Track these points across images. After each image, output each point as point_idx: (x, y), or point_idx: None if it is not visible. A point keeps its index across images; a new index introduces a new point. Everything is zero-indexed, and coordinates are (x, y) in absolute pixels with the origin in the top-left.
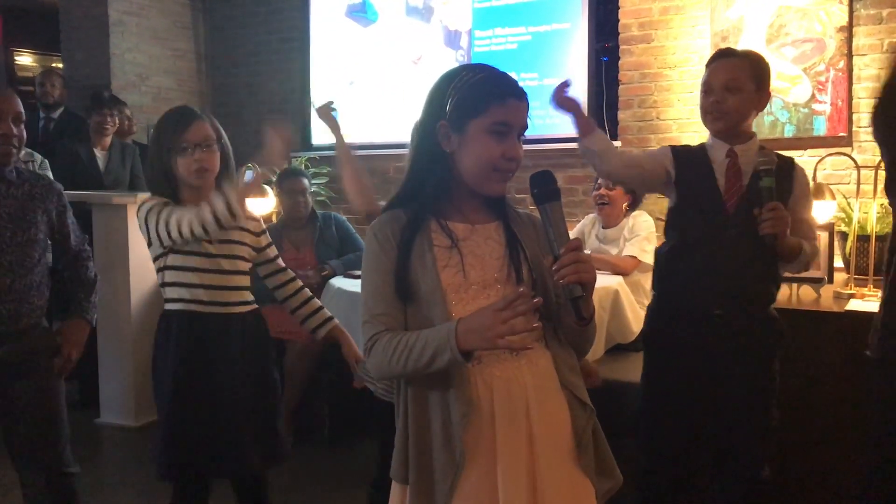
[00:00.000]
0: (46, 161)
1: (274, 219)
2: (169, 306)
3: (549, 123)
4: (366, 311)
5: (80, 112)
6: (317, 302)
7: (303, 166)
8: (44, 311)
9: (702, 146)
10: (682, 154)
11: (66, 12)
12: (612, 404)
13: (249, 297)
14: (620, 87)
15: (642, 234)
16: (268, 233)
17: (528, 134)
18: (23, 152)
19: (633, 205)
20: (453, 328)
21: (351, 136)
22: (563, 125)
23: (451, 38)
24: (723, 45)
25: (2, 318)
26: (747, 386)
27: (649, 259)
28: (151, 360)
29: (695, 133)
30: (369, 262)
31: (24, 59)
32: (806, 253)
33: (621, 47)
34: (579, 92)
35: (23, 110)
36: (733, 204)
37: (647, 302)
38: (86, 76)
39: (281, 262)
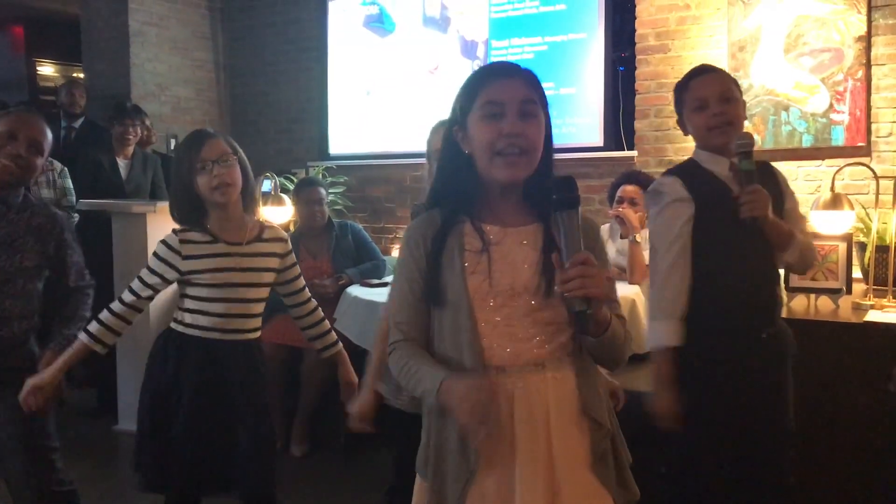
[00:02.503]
0: (66, 169)
1: (291, 227)
2: (179, 328)
3: (565, 132)
4: (391, 315)
5: (101, 121)
6: (327, 324)
7: (319, 175)
8: (28, 335)
9: (694, 163)
10: (686, 175)
11: (87, 23)
12: (627, 413)
13: (260, 322)
14: (637, 96)
15: None
16: (294, 254)
17: None
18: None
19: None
20: (438, 383)
21: (368, 145)
22: (578, 134)
23: (468, 48)
24: (740, 56)
25: None
26: (772, 393)
27: None
28: (146, 371)
29: None
30: (399, 266)
31: (46, 69)
32: (798, 239)
33: (638, 57)
34: (596, 102)
35: (44, 141)
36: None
37: None
38: (106, 86)
39: (301, 281)
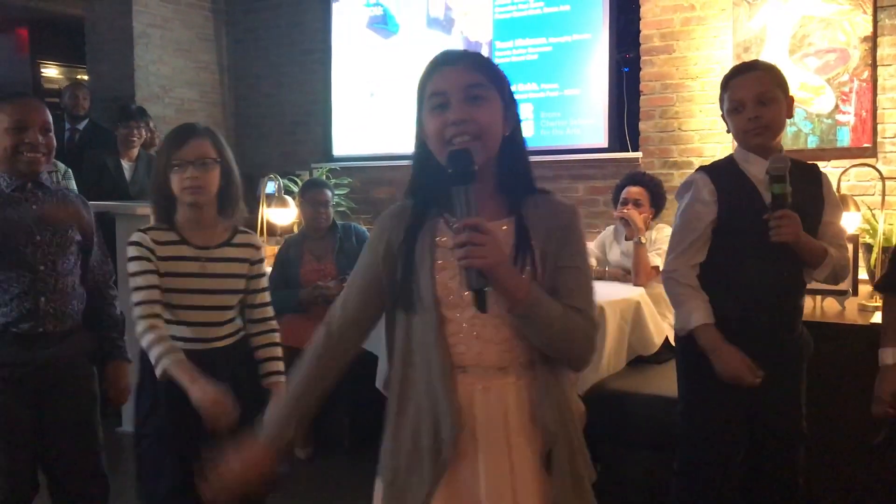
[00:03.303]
0: (70, 171)
1: (295, 229)
2: None
3: (569, 133)
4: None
5: (105, 123)
6: (279, 351)
7: (323, 177)
8: (81, 316)
9: (732, 161)
10: (718, 175)
11: (91, 25)
12: (632, 416)
13: (237, 326)
14: (642, 97)
15: (664, 246)
16: (264, 263)
17: (549, 144)
18: None
19: (655, 216)
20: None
21: (372, 147)
22: (583, 135)
23: (472, 49)
24: (745, 56)
25: (49, 317)
26: (786, 395)
27: None
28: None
29: (717, 144)
30: (360, 257)
31: (50, 70)
32: (832, 257)
33: (643, 58)
34: (600, 103)
35: (50, 119)
36: None
37: (669, 314)
38: (110, 88)
39: (265, 296)
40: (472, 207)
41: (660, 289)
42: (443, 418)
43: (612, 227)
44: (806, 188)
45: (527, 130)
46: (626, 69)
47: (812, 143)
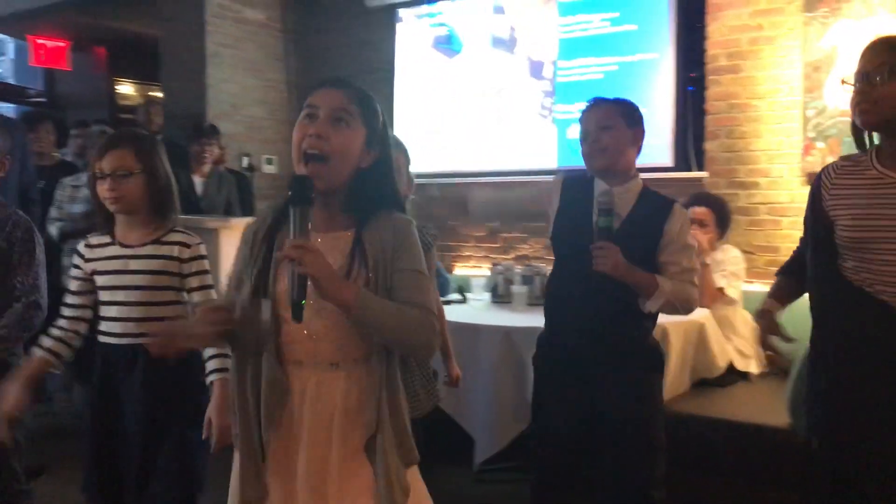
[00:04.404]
0: None
1: None
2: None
3: None
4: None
5: (178, 140)
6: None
7: None
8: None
9: (592, 178)
10: (570, 184)
11: (166, 44)
12: (694, 439)
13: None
14: (707, 117)
15: (730, 268)
16: (202, 262)
17: None
18: None
19: (720, 237)
20: None
21: (433, 165)
22: (648, 154)
23: (536, 69)
24: (815, 76)
25: None
26: (628, 409)
27: (735, 294)
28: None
29: (784, 165)
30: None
31: (126, 88)
32: (664, 291)
33: (708, 77)
34: (665, 122)
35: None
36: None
37: (734, 337)
38: (183, 105)
39: (204, 294)
40: (302, 228)
41: (725, 311)
42: (264, 414)
43: None
44: (650, 221)
45: None
46: (690, 88)
47: None
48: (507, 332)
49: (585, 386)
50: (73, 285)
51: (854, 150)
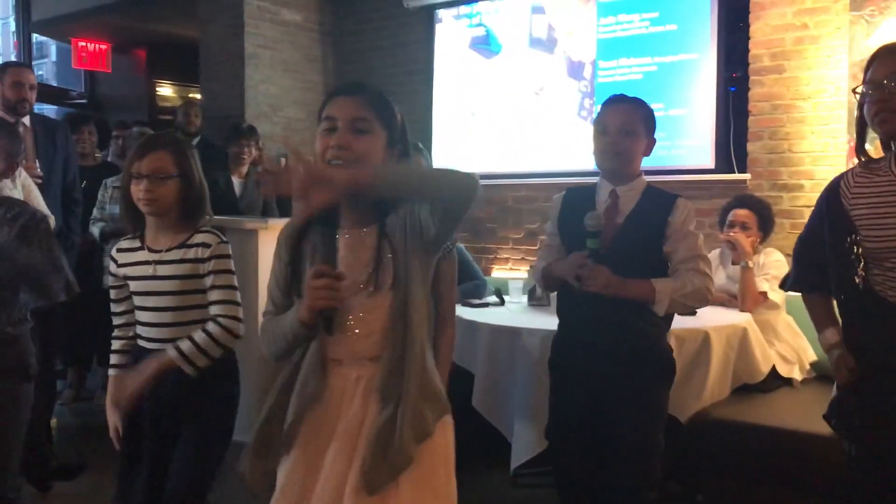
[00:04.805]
0: None
1: None
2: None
3: (674, 154)
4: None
5: (216, 141)
6: (199, 338)
7: None
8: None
9: (592, 186)
10: (571, 196)
11: (205, 46)
12: (736, 446)
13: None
14: (750, 118)
15: (773, 271)
16: (223, 261)
17: (654, 165)
18: None
19: (763, 240)
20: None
21: (472, 166)
22: (688, 156)
23: (575, 69)
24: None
25: None
26: (633, 413)
27: (778, 298)
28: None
29: (829, 167)
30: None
31: (165, 89)
32: (666, 292)
33: (751, 78)
34: (707, 123)
35: None
36: (608, 241)
37: (777, 342)
38: (221, 106)
39: (218, 294)
40: (329, 248)
41: (767, 315)
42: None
43: (717, 251)
44: (654, 215)
45: None
46: (732, 88)
47: None
48: (544, 336)
49: (594, 389)
50: (113, 293)
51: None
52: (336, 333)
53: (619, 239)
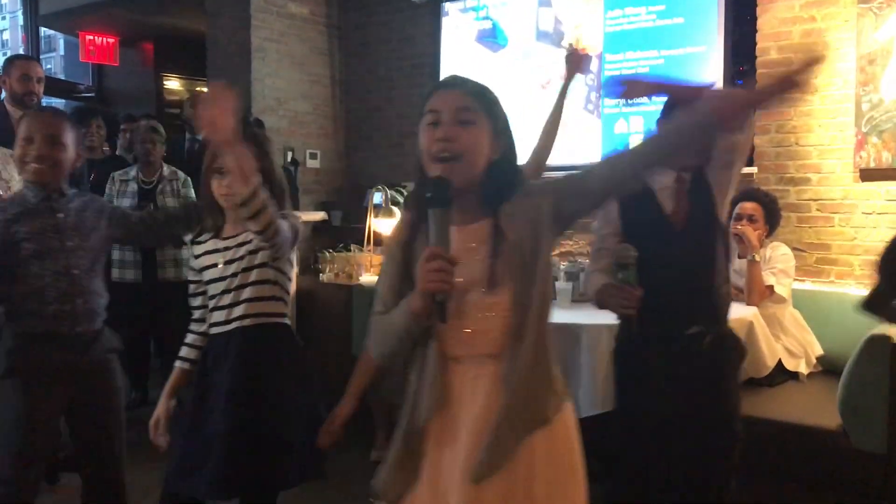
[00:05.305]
0: (189, 179)
1: None
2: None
3: None
4: (377, 291)
5: None
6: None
7: None
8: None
9: None
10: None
11: (212, 39)
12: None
13: (260, 307)
14: (757, 111)
15: (780, 265)
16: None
17: None
18: (167, 170)
19: (770, 233)
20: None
21: None
22: None
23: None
24: (869, 69)
25: (83, 318)
26: (711, 402)
27: (784, 292)
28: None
29: (837, 160)
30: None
31: (172, 83)
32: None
33: (759, 71)
34: None
35: (61, 132)
36: (681, 222)
37: (783, 336)
38: None
39: (257, 274)
40: (442, 231)
41: (773, 309)
42: (421, 404)
43: None
44: (699, 193)
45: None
46: (739, 81)
47: None
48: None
49: (668, 378)
50: (191, 287)
51: None
52: (448, 321)
53: (694, 217)
